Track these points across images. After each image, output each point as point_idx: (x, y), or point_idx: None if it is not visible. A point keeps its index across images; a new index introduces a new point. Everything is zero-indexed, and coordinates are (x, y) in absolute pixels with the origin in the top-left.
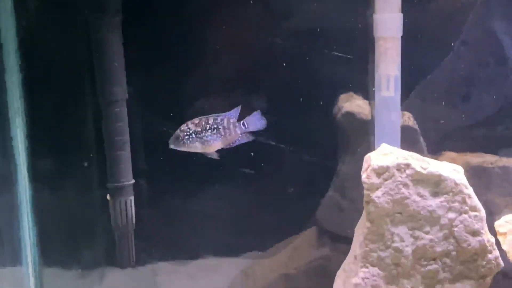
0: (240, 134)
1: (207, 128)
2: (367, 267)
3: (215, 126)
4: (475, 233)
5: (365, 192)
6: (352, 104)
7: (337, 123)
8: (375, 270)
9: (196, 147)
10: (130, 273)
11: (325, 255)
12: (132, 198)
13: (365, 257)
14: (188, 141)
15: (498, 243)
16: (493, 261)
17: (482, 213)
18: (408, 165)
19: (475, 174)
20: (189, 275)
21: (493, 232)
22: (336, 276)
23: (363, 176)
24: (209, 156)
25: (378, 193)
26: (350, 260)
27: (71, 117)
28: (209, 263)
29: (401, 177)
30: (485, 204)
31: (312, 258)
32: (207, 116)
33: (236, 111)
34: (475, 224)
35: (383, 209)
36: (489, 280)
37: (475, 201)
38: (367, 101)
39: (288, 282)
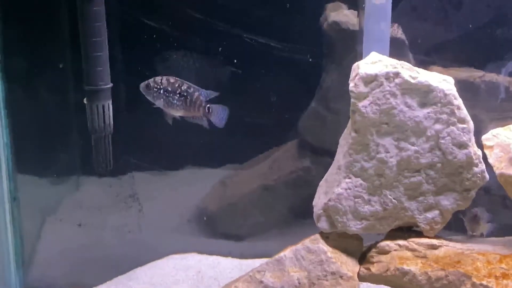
0: (201, 115)
1: (177, 92)
2: (350, 178)
3: (185, 94)
4: (462, 145)
5: (352, 101)
6: (339, 13)
7: (323, 32)
8: (358, 181)
9: (160, 104)
10: (107, 181)
11: (306, 167)
12: (110, 102)
13: (349, 167)
14: (155, 94)
15: (484, 157)
16: (478, 175)
17: (470, 125)
18: (397, 74)
19: (461, 89)
20: (168, 185)
21: (481, 146)
22: (318, 186)
23: (351, 85)
24: (165, 118)
25: (365, 102)
26: (333, 170)
27: (46, 16)
28: (188, 174)
29: (389, 86)
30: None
31: (292, 170)
32: (184, 81)
33: (210, 93)
34: (462, 136)
35: (369, 119)
36: (473, 193)
37: (463, 112)
38: (355, 11)
39: (266, 192)
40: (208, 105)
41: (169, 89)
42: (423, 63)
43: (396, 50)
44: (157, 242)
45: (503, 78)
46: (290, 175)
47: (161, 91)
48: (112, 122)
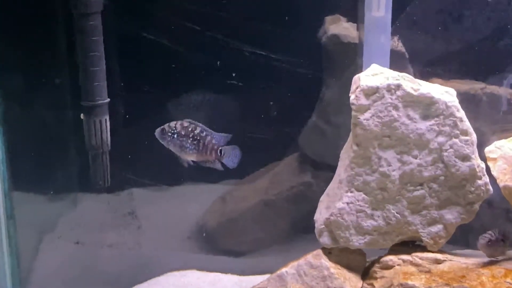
0: (214, 159)
1: (190, 136)
2: (352, 192)
3: (198, 138)
4: (465, 158)
5: (353, 113)
6: (338, 26)
7: (322, 46)
8: (360, 195)
9: (174, 149)
10: (105, 198)
11: (307, 182)
12: (107, 117)
13: (351, 181)
14: (169, 139)
15: (488, 170)
16: (482, 187)
17: (473, 137)
18: (398, 86)
19: (462, 102)
20: (166, 201)
21: (483, 159)
22: (320, 201)
23: (352, 97)
24: (181, 162)
25: (367, 115)
26: (335, 184)
27: (42, 31)
28: (187, 189)
29: (391, 99)
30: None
31: (293, 185)
32: (198, 124)
33: (225, 138)
34: (465, 149)
35: (371, 132)
36: (477, 206)
37: (466, 124)
38: (354, 24)
39: (267, 208)
40: (220, 148)
41: (183, 133)
42: (423, 76)
43: (396, 62)
44: (156, 259)
45: (505, 90)
46: (290, 190)
47: (175, 136)
48: (110, 138)
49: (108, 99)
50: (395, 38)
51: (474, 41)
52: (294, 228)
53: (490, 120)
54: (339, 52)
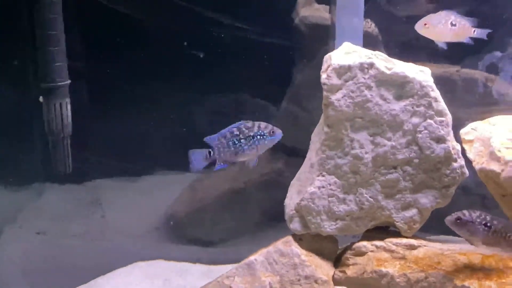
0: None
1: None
2: (323, 176)
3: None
4: (440, 139)
5: (324, 94)
6: (310, 8)
7: (294, 28)
8: (332, 179)
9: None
10: (70, 188)
11: (278, 169)
12: (68, 100)
13: (322, 165)
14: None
15: (463, 152)
16: (458, 170)
17: (449, 118)
18: (371, 65)
19: (438, 84)
20: (134, 190)
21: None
22: (290, 186)
23: (323, 76)
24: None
25: (338, 95)
26: (306, 168)
27: None
28: (157, 179)
29: (364, 78)
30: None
31: (264, 172)
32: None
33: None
34: (440, 130)
35: (343, 113)
36: (452, 190)
37: (441, 105)
38: (327, 6)
39: (236, 196)
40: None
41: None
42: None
43: (369, 45)
44: (121, 249)
45: (480, 73)
46: (262, 178)
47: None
48: (71, 122)
49: (69, 81)
50: (369, 20)
51: None
52: (266, 216)
53: (466, 103)
54: (310, 34)
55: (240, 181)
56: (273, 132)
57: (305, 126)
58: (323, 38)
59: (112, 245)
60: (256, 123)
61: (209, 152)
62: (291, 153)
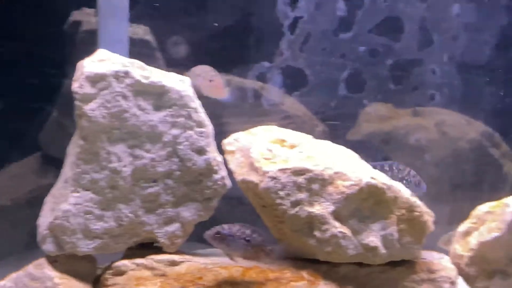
0: None
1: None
2: (78, 192)
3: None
4: (201, 151)
5: (77, 104)
6: (80, 12)
7: (65, 35)
8: (88, 194)
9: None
10: None
11: (48, 184)
12: None
13: (77, 180)
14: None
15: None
16: (219, 182)
17: (210, 128)
18: (127, 73)
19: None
20: None
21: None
22: (44, 203)
23: (75, 85)
24: None
25: (93, 105)
26: (60, 184)
27: None
28: None
29: (120, 87)
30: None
31: (33, 188)
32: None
33: None
34: (201, 141)
35: (98, 124)
36: (215, 202)
37: (201, 116)
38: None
39: (1, 214)
40: None
41: None
42: (174, 66)
43: (142, 51)
44: None
45: (251, 82)
46: (30, 194)
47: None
48: None
49: None
50: (141, 26)
51: (220, 29)
52: (34, 236)
53: (236, 112)
54: (79, 40)
55: (6, 199)
56: (418, 183)
57: None
58: (91, 44)
59: None
60: (407, 168)
61: None
62: (61, 166)
